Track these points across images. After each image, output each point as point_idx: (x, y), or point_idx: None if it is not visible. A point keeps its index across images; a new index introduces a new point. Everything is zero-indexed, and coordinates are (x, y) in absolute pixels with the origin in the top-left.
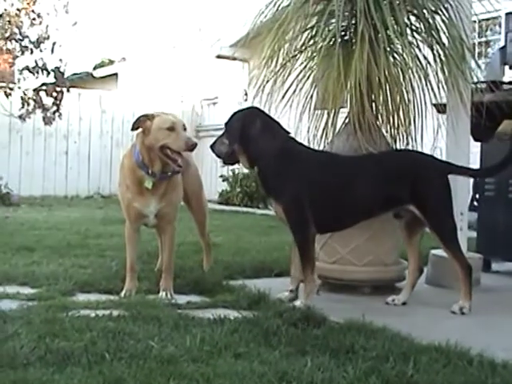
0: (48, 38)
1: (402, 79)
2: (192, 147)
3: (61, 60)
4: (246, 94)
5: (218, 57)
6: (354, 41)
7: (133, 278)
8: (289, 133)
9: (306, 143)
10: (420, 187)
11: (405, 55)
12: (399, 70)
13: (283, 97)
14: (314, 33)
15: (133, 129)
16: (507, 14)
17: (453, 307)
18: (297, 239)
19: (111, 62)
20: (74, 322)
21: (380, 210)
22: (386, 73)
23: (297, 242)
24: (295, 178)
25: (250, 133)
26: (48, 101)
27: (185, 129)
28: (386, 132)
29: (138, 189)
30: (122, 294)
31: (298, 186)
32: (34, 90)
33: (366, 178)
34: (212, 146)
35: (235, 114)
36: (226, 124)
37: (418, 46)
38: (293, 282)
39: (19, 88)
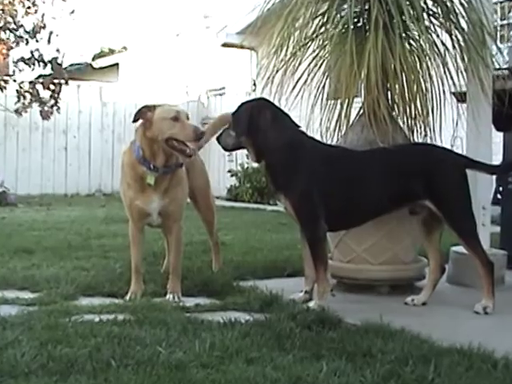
0: (44, 27)
1: (418, 67)
2: (201, 135)
3: (58, 50)
4: (254, 85)
5: (225, 45)
6: (367, 27)
7: (138, 280)
8: (299, 126)
9: (318, 136)
10: (435, 182)
11: (422, 41)
12: (416, 57)
13: (294, 87)
14: (325, 19)
15: (134, 120)
16: None
17: (476, 307)
18: (307, 236)
19: (111, 52)
20: (77, 327)
21: (394, 206)
22: (402, 60)
23: (307, 239)
24: (305, 171)
25: (258, 124)
26: (45, 94)
27: (189, 119)
28: (403, 123)
29: (139, 186)
30: (127, 297)
31: (307, 180)
32: (31, 83)
33: (378, 173)
34: (218, 138)
35: (243, 104)
36: (233, 115)
37: (435, 32)
38: (307, 283)
39: (14, 81)
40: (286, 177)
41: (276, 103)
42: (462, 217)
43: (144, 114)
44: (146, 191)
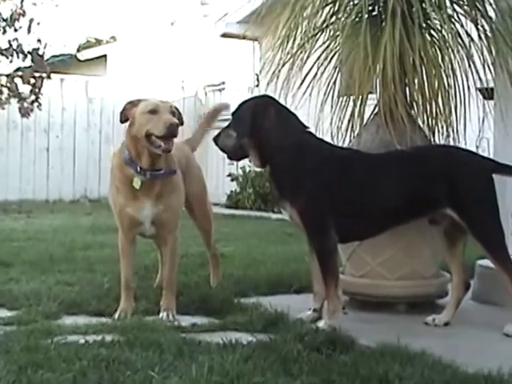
0: (23, 14)
1: (440, 60)
2: (171, 128)
3: (39, 40)
4: (257, 80)
5: (224, 35)
6: (383, 16)
7: (128, 296)
8: (306, 126)
9: (328, 137)
10: (458, 188)
11: (444, 32)
12: (437, 49)
13: (301, 83)
14: (336, 8)
15: (122, 121)
16: None
17: (505, 328)
18: (316, 248)
19: (99, 42)
20: (60, 349)
21: (412, 215)
22: (422, 53)
23: (316, 251)
24: (314, 176)
25: (262, 124)
26: (25, 88)
27: (174, 113)
28: (423, 123)
29: (129, 191)
30: (116, 315)
31: (316, 185)
32: (8, 76)
33: (395, 178)
34: (216, 139)
35: (245, 102)
36: (234, 114)
37: (459, 21)
38: (316, 300)
39: None
40: (292, 182)
41: (281, 101)
42: (487, 226)
43: (129, 110)
44: (137, 197)
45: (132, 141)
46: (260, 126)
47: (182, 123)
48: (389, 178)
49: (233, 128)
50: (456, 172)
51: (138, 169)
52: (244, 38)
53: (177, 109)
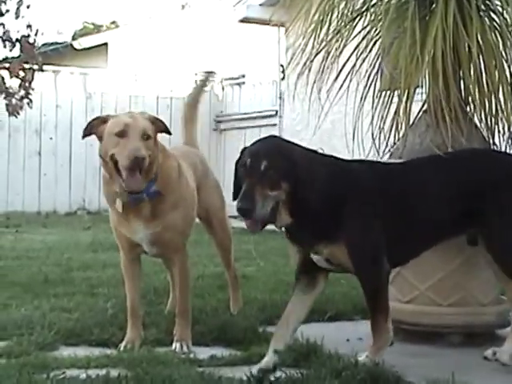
0: None
1: (501, 48)
2: (135, 162)
3: (29, 26)
4: (283, 72)
5: (245, 20)
6: None
7: (135, 324)
8: (316, 151)
9: (368, 138)
10: (498, 200)
11: (506, 15)
12: (498, 35)
13: (337, 75)
14: None
15: (84, 136)
16: None
17: (498, 355)
18: (369, 284)
19: (98, 29)
20: None
21: (455, 230)
22: (480, 40)
23: (370, 289)
24: (359, 202)
25: (297, 171)
26: (13, 82)
27: (146, 136)
28: (480, 121)
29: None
30: (122, 346)
31: (365, 211)
32: None
33: (437, 190)
34: (248, 209)
35: (255, 152)
36: (250, 165)
37: None
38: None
39: None
40: (333, 218)
41: (314, 97)
42: None
43: (96, 127)
44: (129, 217)
45: (102, 160)
46: (296, 174)
47: (167, 132)
48: (433, 187)
49: (265, 184)
50: (498, 180)
51: (118, 189)
52: (268, 23)
53: (159, 120)
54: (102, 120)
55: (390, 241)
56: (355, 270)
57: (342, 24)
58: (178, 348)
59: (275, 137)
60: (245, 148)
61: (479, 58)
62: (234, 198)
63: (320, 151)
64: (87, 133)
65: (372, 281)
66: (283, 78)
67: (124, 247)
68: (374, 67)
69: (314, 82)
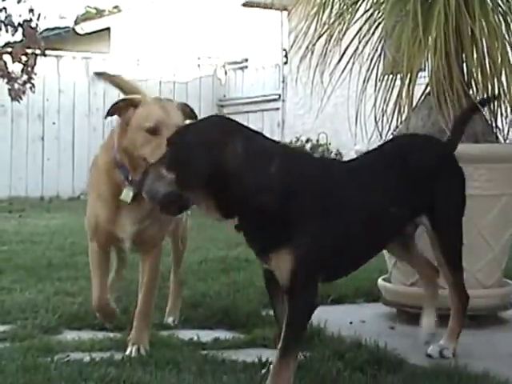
0: None
1: (504, 30)
2: None
3: (31, 11)
4: (286, 56)
5: (247, 4)
6: None
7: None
8: (278, 142)
9: (371, 121)
10: (439, 187)
11: None
12: (500, 17)
13: (340, 59)
14: None
15: (107, 116)
16: None
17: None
18: (299, 306)
19: (100, 14)
20: (61, 369)
21: (400, 228)
22: (483, 22)
23: (298, 309)
24: (318, 208)
25: (227, 166)
26: (15, 67)
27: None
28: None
29: (113, 201)
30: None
31: (322, 220)
32: None
33: (383, 187)
34: (141, 183)
35: (186, 134)
36: (174, 154)
37: None
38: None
39: None
40: (281, 221)
41: (316, 81)
42: (458, 241)
43: (123, 109)
44: (122, 210)
45: (123, 149)
46: (223, 169)
47: (194, 118)
48: (378, 188)
49: (173, 169)
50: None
51: (130, 179)
52: (270, 6)
53: (190, 108)
54: (131, 103)
55: (332, 257)
56: (287, 288)
57: (345, 7)
58: (134, 352)
59: (217, 117)
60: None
61: (482, 41)
62: None
63: (322, 135)
64: (111, 114)
65: (303, 304)
66: (286, 62)
67: (99, 242)
68: (376, 50)
69: (317, 66)
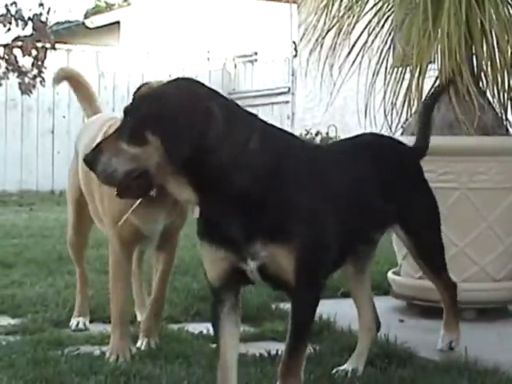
0: None
1: None
2: None
3: (42, 5)
4: (295, 49)
5: None
6: None
7: (124, 333)
8: (255, 115)
9: (381, 114)
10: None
11: None
12: (510, 10)
13: (349, 52)
14: None
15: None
16: None
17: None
18: (306, 300)
19: (109, 7)
20: (72, 362)
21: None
22: (493, 14)
23: (304, 304)
24: (313, 192)
25: (206, 138)
26: (25, 61)
27: None
28: (493, 97)
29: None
30: (107, 355)
31: (319, 205)
32: (6, 47)
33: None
34: (91, 160)
35: (160, 98)
36: (131, 110)
37: None
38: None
39: None
40: (274, 208)
41: (326, 74)
42: (437, 242)
43: None
44: (154, 204)
45: None
46: (203, 139)
47: None
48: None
49: (139, 141)
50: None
51: None
52: None
53: None
54: None
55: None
56: (295, 285)
57: (354, 0)
58: (145, 345)
59: (189, 82)
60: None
61: (492, 33)
62: None
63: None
64: None
65: (311, 298)
66: (295, 55)
67: (127, 242)
68: (386, 43)
69: (326, 59)
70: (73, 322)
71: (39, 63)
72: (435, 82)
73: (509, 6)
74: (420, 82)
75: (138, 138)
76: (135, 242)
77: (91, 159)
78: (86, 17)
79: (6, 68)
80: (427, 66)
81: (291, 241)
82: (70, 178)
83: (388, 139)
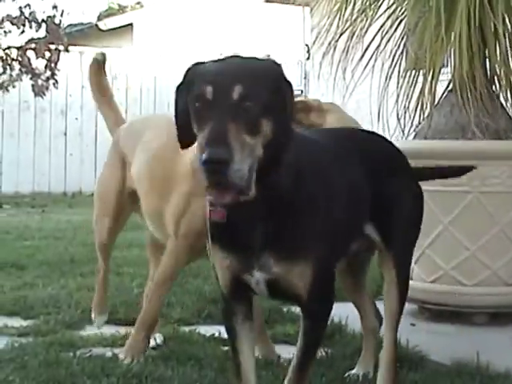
0: None
1: None
2: None
3: (55, 7)
4: (308, 52)
5: (270, 0)
6: None
7: (146, 337)
8: None
9: (393, 118)
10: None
11: None
12: None
13: (362, 55)
14: None
15: None
16: None
17: None
18: (319, 315)
19: (122, 9)
20: (84, 364)
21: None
22: (506, 18)
23: (318, 319)
24: (328, 209)
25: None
26: (39, 63)
27: None
28: (506, 101)
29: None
30: (123, 355)
31: (333, 222)
32: (20, 49)
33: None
34: (221, 160)
35: (222, 72)
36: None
37: None
38: None
39: None
40: (297, 221)
41: (339, 77)
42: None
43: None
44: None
45: None
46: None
47: None
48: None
49: (252, 129)
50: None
51: None
52: (293, 2)
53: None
54: (308, 107)
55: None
56: (307, 300)
57: (367, 3)
58: (151, 342)
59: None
60: (192, 67)
61: (505, 37)
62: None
63: None
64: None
65: (324, 312)
66: (308, 58)
67: (195, 254)
68: (398, 47)
69: (339, 62)
70: (97, 321)
71: (52, 65)
72: (448, 85)
73: None
74: (433, 85)
75: (256, 126)
76: (201, 256)
77: (224, 156)
78: (99, 19)
79: (20, 70)
80: (440, 70)
81: (307, 258)
82: (106, 182)
83: (371, 132)
